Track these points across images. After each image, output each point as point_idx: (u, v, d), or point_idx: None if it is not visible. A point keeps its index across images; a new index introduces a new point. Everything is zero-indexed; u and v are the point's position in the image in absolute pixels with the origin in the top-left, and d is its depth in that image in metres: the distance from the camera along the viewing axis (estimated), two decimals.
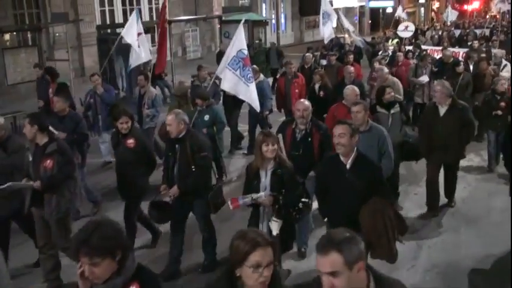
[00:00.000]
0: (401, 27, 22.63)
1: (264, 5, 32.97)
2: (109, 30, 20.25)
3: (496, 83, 9.23)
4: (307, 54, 13.64)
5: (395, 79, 10.05)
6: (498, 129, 8.94)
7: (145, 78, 9.67)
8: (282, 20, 32.80)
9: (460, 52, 15.44)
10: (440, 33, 24.55)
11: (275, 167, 4.90)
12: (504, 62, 12.37)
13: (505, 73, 11.80)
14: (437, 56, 14.55)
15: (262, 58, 20.57)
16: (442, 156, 7.23)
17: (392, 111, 7.32)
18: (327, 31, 15.77)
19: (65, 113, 7.46)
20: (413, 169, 8.73)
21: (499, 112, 8.91)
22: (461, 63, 11.43)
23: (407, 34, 21.92)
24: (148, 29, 18.77)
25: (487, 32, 24.27)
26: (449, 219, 7.35)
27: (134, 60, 10.34)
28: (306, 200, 5.15)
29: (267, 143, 4.80)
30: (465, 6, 62.74)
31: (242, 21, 8.42)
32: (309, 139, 6.01)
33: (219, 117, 8.49)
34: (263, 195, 4.83)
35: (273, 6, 31.20)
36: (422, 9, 55.96)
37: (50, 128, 7.05)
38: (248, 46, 19.17)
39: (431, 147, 7.22)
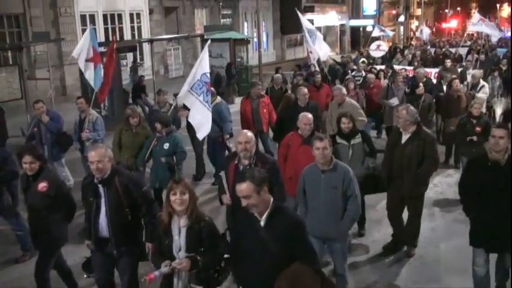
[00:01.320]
0: (373, 46, 21.94)
1: (245, 23, 33.42)
2: None
3: (472, 106, 8.89)
4: (277, 75, 12.67)
5: (353, 102, 9.28)
6: (472, 155, 8.15)
7: (86, 102, 9.07)
8: (264, 39, 33.08)
9: (432, 72, 14.83)
10: (417, 52, 23.88)
11: (190, 223, 4.07)
12: (482, 82, 11.85)
13: (482, 94, 11.46)
14: (411, 75, 14.00)
15: (244, 76, 20.89)
16: (399, 187, 6.52)
17: (352, 142, 6.74)
18: (322, 48, 14.11)
19: None
20: None
21: (474, 138, 8.46)
22: (421, 84, 10.77)
23: (379, 53, 21.34)
24: (130, 48, 18.84)
25: (461, 51, 23.65)
26: (429, 234, 7.37)
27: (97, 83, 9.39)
28: (228, 256, 4.29)
29: (175, 191, 4.01)
30: (443, 25, 64.06)
31: (208, 42, 8.10)
32: None
33: (180, 146, 7.76)
34: (181, 259, 4.04)
35: (255, 25, 31.39)
36: (401, 27, 56.94)
37: None
38: (230, 64, 19.65)
39: (391, 176, 6.59)
